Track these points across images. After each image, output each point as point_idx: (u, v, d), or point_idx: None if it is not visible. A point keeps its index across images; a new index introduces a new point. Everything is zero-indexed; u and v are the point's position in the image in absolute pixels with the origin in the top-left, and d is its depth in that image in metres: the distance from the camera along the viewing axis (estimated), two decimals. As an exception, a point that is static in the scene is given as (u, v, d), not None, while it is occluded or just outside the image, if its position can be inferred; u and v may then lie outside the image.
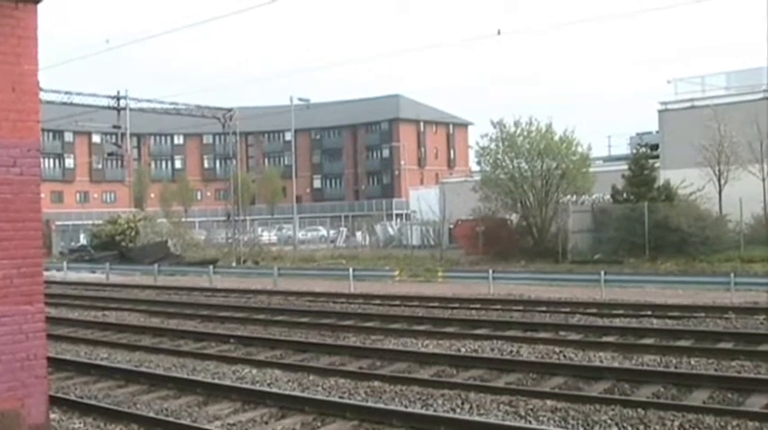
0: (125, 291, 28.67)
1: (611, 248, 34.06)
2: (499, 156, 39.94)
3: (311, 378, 11.81)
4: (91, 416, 9.76)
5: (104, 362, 13.53)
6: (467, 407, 9.72)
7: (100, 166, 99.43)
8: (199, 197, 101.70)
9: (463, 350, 13.73)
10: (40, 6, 7.62)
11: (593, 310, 18.82)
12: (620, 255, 32.83)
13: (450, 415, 9.32)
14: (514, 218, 40.23)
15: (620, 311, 18.46)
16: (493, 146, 40.33)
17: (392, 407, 9.75)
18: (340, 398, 10.41)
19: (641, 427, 8.60)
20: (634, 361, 12.47)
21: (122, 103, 40.36)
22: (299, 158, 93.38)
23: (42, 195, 7.85)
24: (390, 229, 58.10)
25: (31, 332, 7.45)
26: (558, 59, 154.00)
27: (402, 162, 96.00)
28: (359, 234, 57.90)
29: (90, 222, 65.23)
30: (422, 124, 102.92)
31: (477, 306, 20.45)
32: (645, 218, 32.97)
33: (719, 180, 35.42)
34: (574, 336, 15.10)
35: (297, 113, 64.21)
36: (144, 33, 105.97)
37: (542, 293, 22.70)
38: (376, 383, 11.19)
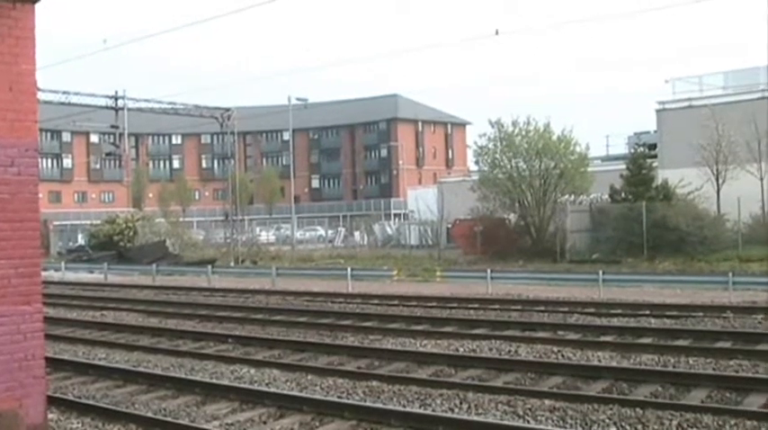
0: (123, 291, 28.65)
1: (610, 248, 34.08)
2: (497, 156, 39.96)
3: (309, 377, 11.81)
4: (89, 416, 9.75)
5: (102, 362, 13.52)
6: (465, 406, 9.72)
7: (98, 166, 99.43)
8: (197, 197, 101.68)
9: (461, 350, 13.73)
10: (37, 6, 7.62)
11: (592, 310, 18.83)
12: (619, 254, 32.85)
13: (449, 414, 9.32)
14: (512, 217, 40.27)
15: (619, 311, 18.47)
16: (491, 145, 40.37)
17: (390, 406, 9.75)
18: (338, 397, 10.41)
19: (639, 427, 8.61)
20: (632, 360, 12.48)
21: (120, 102, 40.38)
22: (297, 158, 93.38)
23: (40, 195, 7.84)
24: (388, 229, 58.13)
25: (29, 332, 7.44)
26: (557, 59, 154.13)
27: (400, 162, 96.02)
28: (357, 234, 57.90)
29: (88, 222, 65.17)
30: (420, 124, 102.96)
31: (476, 306, 20.45)
32: (643, 217, 32.99)
33: (717, 179, 35.47)
34: (572, 336, 15.10)
35: (295, 113, 64.29)
36: (142, 33, 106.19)
37: (540, 293, 22.71)
38: (374, 383, 11.19)
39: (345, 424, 9.13)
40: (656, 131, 44.88)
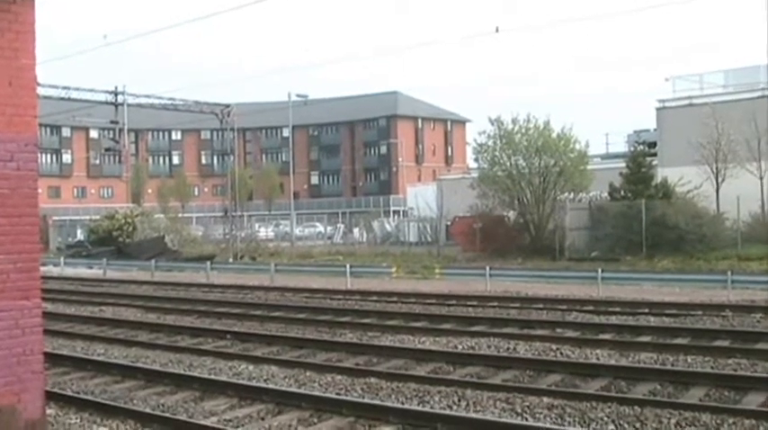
0: (122, 287, 28.65)
1: (609, 246, 34.10)
2: (497, 154, 39.98)
3: (308, 374, 11.81)
4: (87, 412, 9.74)
5: (101, 358, 13.51)
6: (463, 404, 9.72)
7: (97, 162, 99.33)
8: (196, 193, 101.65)
9: (460, 347, 13.72)
10: (37, 1, 7.60)
11: (590, 308, 18.83)
12: (617, 252, 32.88)
13: (447, 412, 9.31)
14: (512, 215, 40.29)
15: (617, 309, 18.47)
16: (491, 143, 40.40)
17: (389, 403, 9.75)
18: (336, 394, 10.41)
19: (638, 425, 8.60)
20: (631, 358, 12.48)
21: (120, 98, 40.35)
22: (297, 154, 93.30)
23: (39, 190, 7.83)
24: (388, 226, 58.15)
25: (27, 327, 7.43)
26: (557, 57, 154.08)
27: (400, 159, 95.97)
28: (356, 230, 57.89)
29: (87, 217, 65.20)
30: (420, 121, 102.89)
31: (474, 303, 20.45)
32: (642, 215, 33.00)
33: (717, 178, 35.48)
34: (570, 334, 15.10)
35: (295, 110, 64.26)
36: (142, 29, 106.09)
37: (539, 290, 22.71)
38: (372, 380, 11.19)
39: (343, 420, 9.13)
40: (655, 129, 44.89)
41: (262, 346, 14.68)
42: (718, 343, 13.66)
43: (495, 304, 20.14)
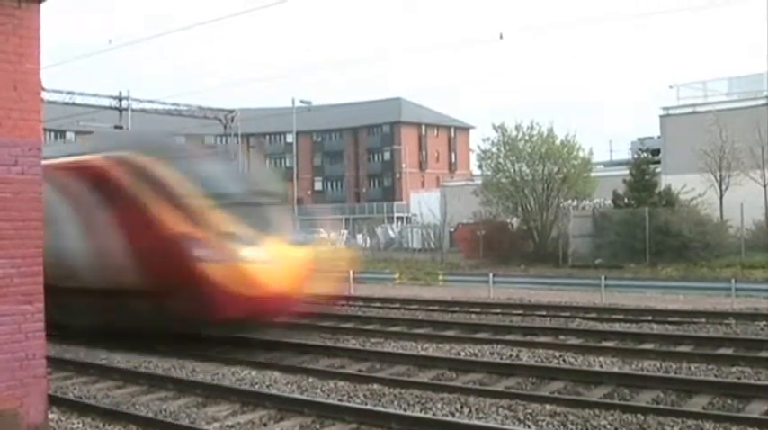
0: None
1: (612, 253, 34.06)
2: (500, 160, 40.01)
3: (310, 380, 11.79)
4: (89, 416, 9.74)
5: (103, 362, 13.50)
6: (466, 410, 9.70)
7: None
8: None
9: (463, 354, 13.70)
10: (42, 6, 7.62)
11: (593, 315, 18.78)
12: (621, 259, 32.83)
13: (450, 418, 9.30)
14: (515, 222, 40.29)
15: (620, 316, 18.43)
16: (494, 149, 40.46)
17: (391, 410, 9.73)
18: (339, 400, 10.39)
19: (641, 433, 8.59)
20: (634, 366, 12.44)
21: (124, 103, 40.55)
22: (301, 160, 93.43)
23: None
24: (391, 232, 58.17)
25: (30, 331, 7.44)
26: (561, 64, 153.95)
27: (403, 165, 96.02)
28: (359, 236, 57.90)
29: (91, 222, 65.10)
30: (423, 127, 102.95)
31: (477, 310, 20.42)
32: (646, 223, 32.98)
33: (720, 185, 35.43)
34: (573, 341, 15.06)
35: (298, 115, 64.32)
36: (146, 34, 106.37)
37: (542, 298, 22.68)
38: (375, 386, 11.17)
39: (346, 427, 9.12)
40: (659, 137, 44.88)
41: (264, 352, 14.66)
42: (722, 351, 13.62)
43: (498, 311, 20.09)
